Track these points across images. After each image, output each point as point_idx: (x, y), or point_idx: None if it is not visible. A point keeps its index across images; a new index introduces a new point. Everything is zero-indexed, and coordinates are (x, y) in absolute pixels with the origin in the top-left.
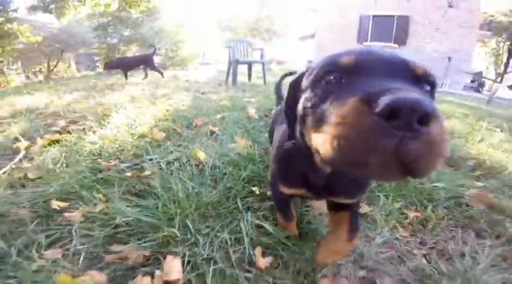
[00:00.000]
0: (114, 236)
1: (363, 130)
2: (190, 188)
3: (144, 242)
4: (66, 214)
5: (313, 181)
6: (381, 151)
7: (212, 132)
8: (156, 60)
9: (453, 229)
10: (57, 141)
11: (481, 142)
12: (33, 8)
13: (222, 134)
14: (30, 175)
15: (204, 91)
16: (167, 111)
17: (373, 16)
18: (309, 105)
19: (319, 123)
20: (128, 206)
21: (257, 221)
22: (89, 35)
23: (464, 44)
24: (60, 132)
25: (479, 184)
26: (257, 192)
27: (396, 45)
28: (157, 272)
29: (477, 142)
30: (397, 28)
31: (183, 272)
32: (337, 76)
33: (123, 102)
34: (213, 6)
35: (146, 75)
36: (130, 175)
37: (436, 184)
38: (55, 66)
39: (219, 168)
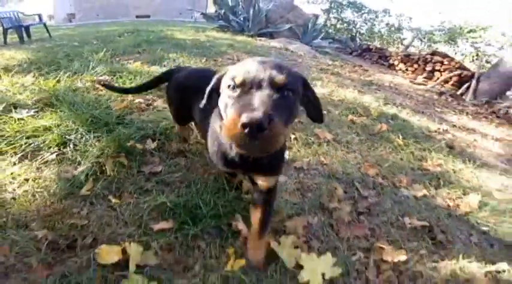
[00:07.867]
0: None
1: (235, 130)
2: None
3: None
4: None
5: (236, 159)
6: (243, 142)
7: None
8: None
9: None
10: None
11: (183, 34)
12: None
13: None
14: None
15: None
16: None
17: None
18: (222, 104)
19: (222, 119)
20: None
21: None
22: None
23: None
24: None
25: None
26: None
27: None
28: None
29: (182, 34)
30: None
31: None
32: (233, 87)
33: None
34: None
35: None
36: None
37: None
38: None
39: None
